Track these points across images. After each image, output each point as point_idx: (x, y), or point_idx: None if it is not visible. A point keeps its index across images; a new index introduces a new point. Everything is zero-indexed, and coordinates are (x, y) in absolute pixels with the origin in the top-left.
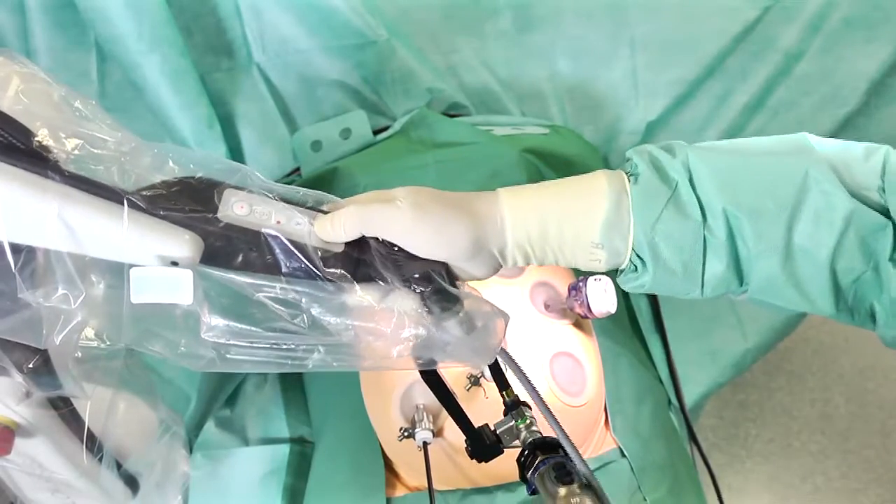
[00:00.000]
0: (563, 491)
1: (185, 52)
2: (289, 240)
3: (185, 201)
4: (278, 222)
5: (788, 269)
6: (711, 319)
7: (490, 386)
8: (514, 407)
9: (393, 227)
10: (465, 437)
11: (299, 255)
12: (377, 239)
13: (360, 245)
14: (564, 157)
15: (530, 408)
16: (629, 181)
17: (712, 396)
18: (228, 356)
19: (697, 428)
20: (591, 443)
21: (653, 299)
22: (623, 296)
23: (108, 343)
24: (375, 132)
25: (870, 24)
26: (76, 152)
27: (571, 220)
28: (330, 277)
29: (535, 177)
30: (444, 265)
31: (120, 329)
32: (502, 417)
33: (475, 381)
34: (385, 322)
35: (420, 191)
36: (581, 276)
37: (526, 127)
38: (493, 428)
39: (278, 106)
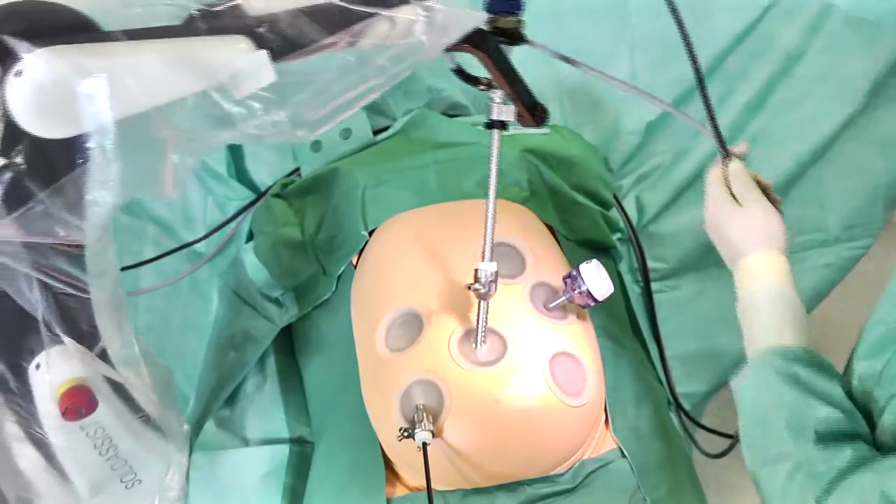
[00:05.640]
0: None
1: None
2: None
3: (217, 18)
4: None
5: None
6: (713, 320)
7: None
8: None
9: None
10: (528, 108)
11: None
12: None
13: None
14: (564, 157)
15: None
16: None
17: (712, 396)
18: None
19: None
20: (592, 443)
21: (649, 299)
22: (623, 296)
23: None
24: (375, 132)
25: (870, 24)
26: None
27: None
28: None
29: (535, 177)
30: None
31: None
32: None
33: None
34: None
35: None
36: (573, 266)
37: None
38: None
39: None
